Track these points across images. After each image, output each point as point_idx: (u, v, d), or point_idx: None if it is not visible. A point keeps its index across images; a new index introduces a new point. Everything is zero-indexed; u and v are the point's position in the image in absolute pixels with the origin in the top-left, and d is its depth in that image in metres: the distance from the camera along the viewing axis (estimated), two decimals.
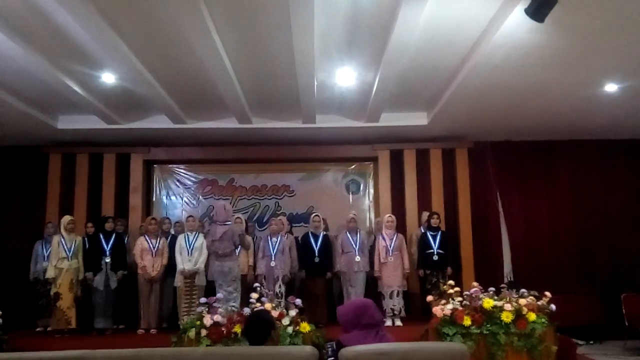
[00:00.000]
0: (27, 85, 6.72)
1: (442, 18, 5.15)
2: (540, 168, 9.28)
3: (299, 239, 7.92)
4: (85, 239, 7.51)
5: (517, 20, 4.74)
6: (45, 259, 7.56)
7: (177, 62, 6.19)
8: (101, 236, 7.37)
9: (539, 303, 5.53)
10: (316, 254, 7.52)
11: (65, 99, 7.12)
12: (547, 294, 5.63)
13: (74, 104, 7.28)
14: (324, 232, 7.80)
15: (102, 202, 8.73)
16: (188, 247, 7.25)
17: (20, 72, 6.18)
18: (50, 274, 7.12)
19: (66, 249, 7.16)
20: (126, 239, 7.96)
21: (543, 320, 5.38)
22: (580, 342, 7.15)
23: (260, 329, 3.24)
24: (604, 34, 5.27)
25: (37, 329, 7.54)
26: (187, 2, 4.58)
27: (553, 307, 5.51)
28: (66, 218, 7.45)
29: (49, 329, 7.26)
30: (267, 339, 3.17)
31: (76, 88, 6.70)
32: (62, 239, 7.21)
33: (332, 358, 2.94)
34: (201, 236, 7.35)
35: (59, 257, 7.11)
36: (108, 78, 6.58)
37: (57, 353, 3.07)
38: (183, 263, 7.15)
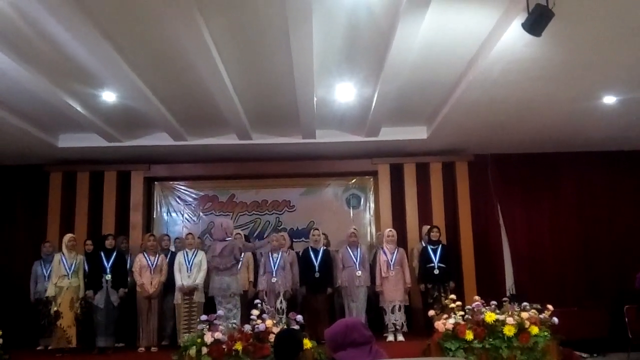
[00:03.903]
0: (28, 104, 6.75)
1: (440, 33, 5.19)
2: (541, 180, 9.28)
3: (299, 254, 7.90)
4: (84, 257, 7.49)
5: (514, 35, 4.77)
6: (46, 279, 7.52)
7: (177, 79, 6.23)
8: (102, 254, 7.35)
9: (541, 316, 5.51)
10: (316, 270, 7.48)
11: (66, 118, 7.15)
12: (550, 307, 5.61)
13: (74, 122, 7.31)
14: (324, 247, 7.78)
15: (103, 220, 8.72)
16: (187, 264, 7.25)
17: (21, 91, 6.21)
18: (50, 292, 7.08)
19: (67, 267, 7.14)
20: (128, 256, 7.94)
21: (545, 333, 5.36)
22: (583, 355, 7.09)
23: (292, 347, 3.25)
24: (601, 47, 5.31)
25: (38, 348, 7.50)
26: (186, 20, 4.62)
27: (555, 320, 5.48)
28: (67, 236, 7.44)
29: (49, 347, 7.21)
30: (296, 359, 3.18)
31: (77, 107, 6.73)
32: (63, 257, 7.19)
33: None
34: (200, 253, 7.37)
35: (59, 275, 7.08)
36: (109, 96, 6.61)
37: None
38: (182, 280, 7.15)
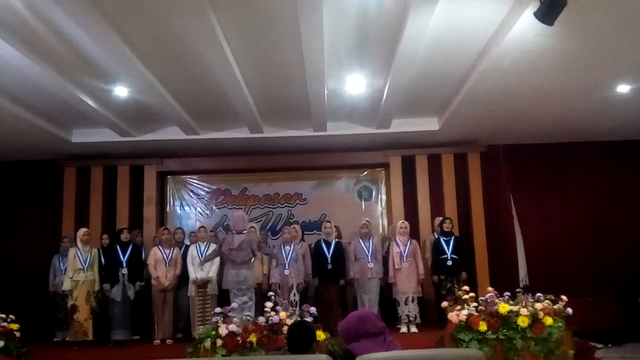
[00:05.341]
0: (41, 100, 6.82)
1: (451, 23, 5.16)
2: (554, 170, 9.21)
3: (311, 246, 7.93)
4: (100, 250, 7.57)
5: (526, 24, 4.74)
6: (63, 273, 7.61)
7: (188, 73, 6.26)
8: (118, 248, 7.43)
9: (555, 307, 5.48)
10: (329, 262, 7.51)
11: (79, 113, 7.21)
12: (564, 297, 5.58)
13: (87, 117, 7.38)
14: (336, 240, 7.80)
15: (117, 214, 8.81)
16: (200, 256, 7.30)
17: (35, 87, 6.28)
18: (66, 286, 7.18)
19: (82, 261, 7.21)
20: (143, 250, 8.02)
21: (560, 324, 5.33)
22: (598, 345, 7.06)
23: (305, 338, 3.30)
24: (614, 35, 5.24)
25: (55, 340, 7.63)
26: (197, 14, 4.63)
27: (570, 310, 5.46)
28: (81, 230, 7.51)
29: (67, 339, 7.31)
30: (309, 349, 3.21)
31: (90, 102, 6.78)
32: (78, 251, 7.27)
33: None
34: (213, 246, 7.40)
35: (74, 269, 7.17)
36: (121, 91, 6.66)
37: None
38: (195, 272, 7.20)
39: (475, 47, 5.74)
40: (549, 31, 4.73)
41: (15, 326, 5.99)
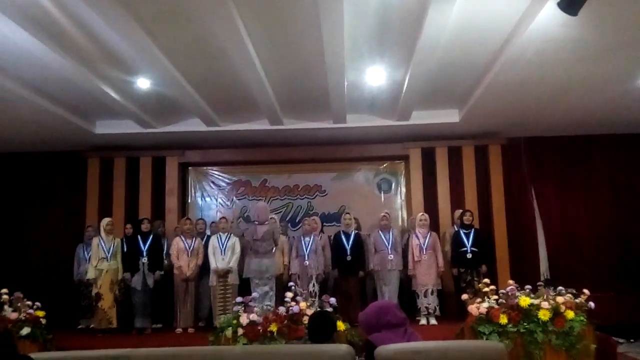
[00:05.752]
0: (65, 92, 6.93)
1: (473, 13, 5.11)
2: (576, 163, 9.10)
3: (331, 238, 7.96)
4: (124, 240, 7.70)
5: (549, 14, 4.68)
6: (87, 262, 7.76)
7: (209, 66, 6.30)
8: (139, 237, 7.54)
9: (577, 301, 5.44)
10: (348, 253, 7.54)
11: (102, 105, 7.31)
12: (586, 291, 5.53)
13: (110, 109, 7.47)
14: (356, 231, 7.82)
15: (140, 205, 8.94)
16: (221, 246, 7.38)
17: (59, 80, 6.38)
18: (90, 275, 7.33)
19: (105, 250, 7.35)
20: (165, 240, 8.13)
21: (581, 318, 5.28)
22: (620, 340, 6.99)
23: (326, 328, 3.32)
24: (639, 25, 5.15)
25: (79, 327, 7.79)
26: (218, 6, 4.66)
27: (592, 304, 5.41)
28: (105, 220, 7.65)
29: (92, 326, 7.46)
30: (330, 339, 3.24)
31: (112, 94, 6.87)
32: (101, 241, 7.41)
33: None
34: (233, 236, 7.47)
35: (98, 258, 7.31)
36: (143, 83, 6.72)
37: (104, 352, 3.15)
38: (216, 262, 7.28)
39: (497, 37, 5.67)
40: (572, 22, 4.67)
41: (41, 313, 6.13)
